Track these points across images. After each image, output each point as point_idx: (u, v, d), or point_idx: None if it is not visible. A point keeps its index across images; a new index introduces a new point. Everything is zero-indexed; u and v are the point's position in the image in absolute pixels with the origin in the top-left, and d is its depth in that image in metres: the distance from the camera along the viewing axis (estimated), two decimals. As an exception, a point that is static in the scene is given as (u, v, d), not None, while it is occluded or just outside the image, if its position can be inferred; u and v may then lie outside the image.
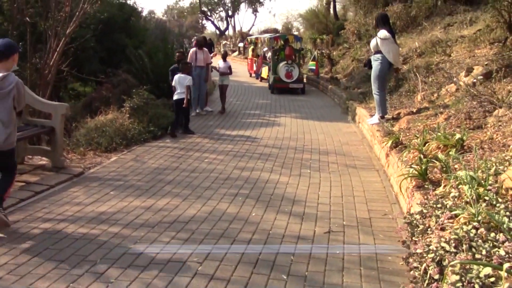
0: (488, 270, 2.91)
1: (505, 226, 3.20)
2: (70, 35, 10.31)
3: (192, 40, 15.79)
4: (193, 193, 6.04)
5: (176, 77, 9.82)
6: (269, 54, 19.30)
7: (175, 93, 9.79)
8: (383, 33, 8.80)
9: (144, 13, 21.85)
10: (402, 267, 3.99)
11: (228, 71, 12.89)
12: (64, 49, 10.45)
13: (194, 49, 12.08)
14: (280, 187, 6.37)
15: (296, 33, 31.28)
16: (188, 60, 11.08)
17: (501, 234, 3.19)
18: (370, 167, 7.41)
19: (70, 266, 3.99)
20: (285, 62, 16.62)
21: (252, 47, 25.60)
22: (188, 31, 29.39)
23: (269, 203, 5.69)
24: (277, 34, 25.03)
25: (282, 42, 19.34)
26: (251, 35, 42.55)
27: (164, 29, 18.20)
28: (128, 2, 17.39)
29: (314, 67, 19.21)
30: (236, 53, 35.58)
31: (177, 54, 10.91)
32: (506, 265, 2.71)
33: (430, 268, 3.41)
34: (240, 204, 5.65)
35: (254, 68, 22.59)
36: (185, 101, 9.62)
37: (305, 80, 19.05)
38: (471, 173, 4.30)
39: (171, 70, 10.13)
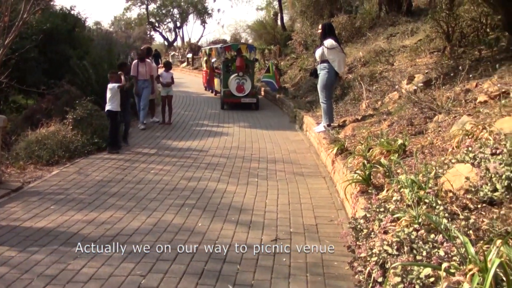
0: (428, 271, 2.95)
1: (442, 227, 3.26)
2: (8, 45, 9.90)
3: (139, 51, 15.32)
4: (137, 205, 5.89)
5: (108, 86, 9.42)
6: (217, 65, 18.52)
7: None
8: (329, 42, 8.93)
9: (90, 24, 21.32)
10: (347, 271, 4.01)
11: (171, 81, 12.65)
12: (3, 60, 10.02)
13: (135, 61, 11.74)
14: (227, 196, 6.30)
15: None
16: (131, 73, 10.79)
17: (440, 235, 3.24)
18: (317, 174, 7.46)
19: (5, 285, 3.78)
20: (236, 74, 15.20)
21: (205, 58, 23.23)
22: (135, 42, 28.98)
23: (216, 213, 5.61)
24: (228, 44, 23.14)
25: (234, 52, 17.71)
26: (200, 46, 42.48)
27: (109, 40, 17.80)
28: (72, 12, 16.96)
29: (268, 79, 16.46)
30: (185, 64, 35.37)
31: (118, 64, 10.64)
32: (444, 265, 2.75)
33: (373, 271, 3.43)
34: (186, 214, 5.54)
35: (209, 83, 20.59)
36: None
37: (262, 93, 18.87)
38: (412, 177, 4.39)
39: None
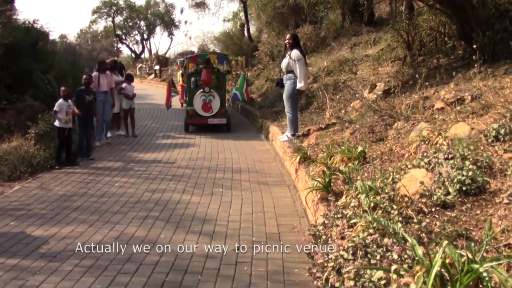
0: (380, 274, 3.03)
1: (391, 230, 3.35)
2: (-32, 60, 9.73)
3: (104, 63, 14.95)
4: (100, 219, 5.84)
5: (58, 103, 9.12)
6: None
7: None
8: (296, 53, 9.06)
9: (55, 37, 21.04)
10: (307, 278, 4.06)
11: (134, 93, 12.56)
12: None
13: (96, 73, 11.32)
14: (191, 207, 6.30)
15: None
16: (91, 86, 10.59)
17: (387, 239, 3.33)
18: (281, 183, 7.53)
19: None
20: (202, 90, 12.71)
21: (181, 71, 19.54)
22: (101, 54, 28.75)
23: (179, 224, 5.61)
24: (195, 54, 21.40)
25: (203, 64, 14.77)
26: (168, 58, 42.31)
27: (74, 53, 17.61)
28: (36, 26, 16.71)
29: (238, 92, 13.76)
30: (152, 76, 35.17)
31: (83, 77, 10.44)
32: (393, 267, 2.84)
33: (330, 276, 3.50)
34: (149, 227, 5.53)
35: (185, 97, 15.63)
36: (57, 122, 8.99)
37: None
38: (369, 183, 4.49)
39: (77, 91, 9.64)
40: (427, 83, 7.96)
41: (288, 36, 9.64)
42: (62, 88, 9.33)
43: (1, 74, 13.45)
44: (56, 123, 8.99)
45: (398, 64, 11.34)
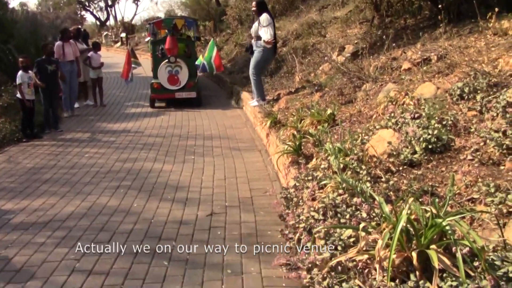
0: (349, 232, 3.13)
1: (359, 189, 3.44)
2: None
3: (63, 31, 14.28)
4: (71, 190, 5.81)
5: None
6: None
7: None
8: (264, 18, 8.96)
9: (14, 5, 20.31)
10: (280, 239, 4.15)
11: (102, 62, 12.32)
12: None
13: (59, 42, 10.99)
14: (163, 175, 6.32)
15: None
16: (55, 55, 10.33)
17: (356, 198, 3.42)
18: (252, 148, 7.58)
19: None
20: (167, 60, 11.35)
21: (150, 39, 14.97)
22: (65, 23, 27.90)
23: (152, 192, 5.63)
24: (159, 19, 19.17)
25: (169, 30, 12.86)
26: (134, 25, 41.36)
27: (35, 22, 17.06)
28: (-7, -7, 16.10)
29: (205, 63, 10.98)
30: (119, 43, 34.44)
31: (43, 45, 10.12)
32: (361, 225, 2.93)
33: (302, 237, 3.59)
34: (122, 196, 5.53)
35: None
36: (25, 102, 8.78)
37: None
38: (338, 144, 4.57)
39: (37, 62, 9.37)
40: (394, 44, 8.02)
41: (253, 3, 9.53)
42: (20, 59, 9.04)
43: (-41, 45, 13.01)
44: (18, 95, 8.79)
45: (366, 25, 11.36)
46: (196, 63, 11.12)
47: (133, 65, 11.85)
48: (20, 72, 8.75)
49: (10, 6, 18.39)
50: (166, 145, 8.02)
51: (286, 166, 5.37)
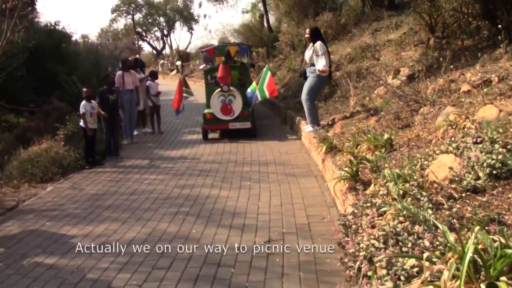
0: (412, 261, 3.05)
1: (421, 217, 3.36)
2: (-6, 65, 9.99)
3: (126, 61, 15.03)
4: (132, 216, 5.98)
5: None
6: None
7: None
8: (319, 46, 9.01)
9: (77, 37, 21.37)
10: (339, 267, 4.09)
11: (159, 91, 12.69)
12: (-10, 80, 10.10)
13: (120, 72, 11.46)
14: (220, 201, 6.40)
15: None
16: (116, 85, 10.77)
17: (418, 226, 3.34)
18: (308, 174, 7.56)
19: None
20: (220, 89, 10.91)
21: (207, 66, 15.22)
22: (123, 53, 29.03)
23: (209, 218, 5.71)
24: (211, 46, 18.41)
25: (222, 57, 13.25)
26: (189, 53, 42.47)
27: (96, 53, 17.87)
28: (58, 27, 17.00)
29: (258, 93, 10.58)
30: (175, 71, 35.43)
31: (103, 77, 10.60)
32: (425, 255, 2.86)
33: (362, 265, 3.53)
34: (180, 222, 5.64)
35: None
36: (87, 131, 9.14)
37: None
38: (397, 170, 4.50)
39: (100, 92, 9.80)
40: (452, 66, 7.86)
41: (307, 30, 9.62)
42: (84, 89, 9.50)
43: (27, 78, 13.76)
44: (81, 124, 9.19)
45: (421, 47, 11.21)
46: (248, 90, 10.74)
47: (184, 95, 11.59)
48: (83, 102, 9.16)
49: (73, 38, 19.31)
50: (222, 171, 8.13)
51: (343, 192, 5.32)
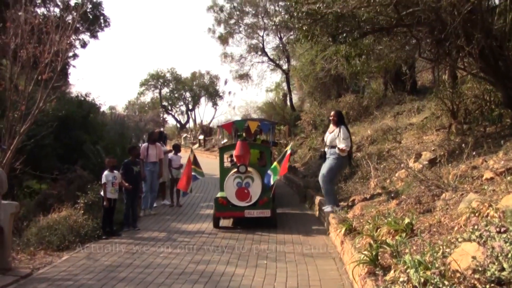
0: None
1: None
2: (24, 133, 10.32)
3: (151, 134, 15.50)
4: (145, 290, 5.88)
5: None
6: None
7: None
8: (344, 133, 9.14)
9: (104, 108, 22.08)
10: None
11: (181, 163, 12.86)
12: (19, 147, 10.39)
13: (145, 144, 11.80)
14: (235, 279, 6.27)
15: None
16: (140, 156, 11.01)
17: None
18: (326, 256, 7.41)
19: None
20: (236, 170, 9.59)
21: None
22: (147, 125, 29.81)
23: (224, 299, 5.59)
24: (230, 120, 17.12)
25: (241, 132, 12.55)
26: (212, 128, 43.28)
27: (122, 124, 18.37)
28: (88, 99, 17.66)
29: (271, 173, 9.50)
30: (197, 145, 36.03)
31: (129, 148, 10.89)
32: None
33: None
34: (194, 299, 5.52)
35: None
36: (105, 201, 9.23)
37: None
38: (418, 257, 4.39)
39: (125, 164, 10.02)
40: (474, 152, 7.84)
41: (332, 113, 9.77)
42: (107, 159, 9.69)
43: (54, 145, 14.14)
44: (102, 193, 9.29)
45: (443, 132, 11.26)
46: (268, 172, 9.53)
47: (193, 174, 10.12)
48: (106, 172, 9.31)
49: (101, 109, 19.97)
50: (239, 248, 8.03)
51: (362, 277, 5.17)
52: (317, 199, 11.05)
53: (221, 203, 9.56)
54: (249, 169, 9.68)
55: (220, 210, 9.61)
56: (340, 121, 9.44)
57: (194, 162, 10.28)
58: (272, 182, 9.49)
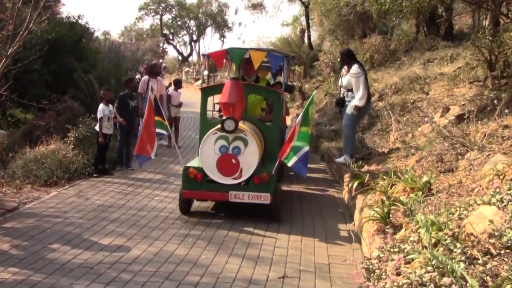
0: (435, 314, 3.20)
1: (449, 268, 3.51)
2: (11, 56, 10.45)
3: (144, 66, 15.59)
4: (139, 233, 6.23)
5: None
6: None
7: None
8: (355, 68, 9.12)
9: (98, 34, 21.99)
10: (357, 314, 4.24)
11: (181, 101, 12.99)
12: (5, 71, 10.56)
13: (146, 77, 11.78)
14: (235, 228, 6.59)
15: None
16: (139, 90, 11.12)
17: (447, 277, 3.49)
18: (335, 210, 7.74)
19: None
20: (220, 126, 6.98)
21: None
22: (145, 55, 29.70)
23: (222, 246, 5.92)
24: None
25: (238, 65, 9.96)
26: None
27: (118, 53, 18.37)
28: (80, 21, 17.59)
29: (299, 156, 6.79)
30: (200, 81, 36.03)
31: (125, 80, 10.98)
32: (449, 308, 3.01)
33: (382, 314, 3.69)
34: (190, 246, 5.86)
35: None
36: (100, 137, 9.50)
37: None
38: (431, 217, 4.65)
39: (120, 96, 10.17)
40: (507, 110, 7.98)
41: (338, 54, 9.72)
42: (103, 91, 9.85)
43: (42, 71, 14.24)
44: (97, 128, 9.53)
45: (477, 86, 11.31)
46: (294, 142, 6.73)
47: (158, 131, 7.53)
48: (101, 106, 9.51)
49: (95, 34, 19.89)
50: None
51: (371, 234, 5.47)
52: (330, 149, 11.28)
53: (193, 177, 6.98)
54: (242, 125, 7.16)
55: (191, 188, 7.01)
56: (350, 60, 9.37)
57: (157, 110, 7.59)
58: (305, 169, 6.89)
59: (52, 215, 6.82)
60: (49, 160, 8.94)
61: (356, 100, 9.07)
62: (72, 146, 9.66)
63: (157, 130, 7.49)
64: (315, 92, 7.67)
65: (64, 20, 16.65)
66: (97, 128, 9.51)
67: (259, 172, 6.92)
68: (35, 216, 6.72)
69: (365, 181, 7.33)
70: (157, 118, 7.50)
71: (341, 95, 9.87)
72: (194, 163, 7.43)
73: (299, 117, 6.84)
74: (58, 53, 14.66)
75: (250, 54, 8.28)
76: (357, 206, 7.07)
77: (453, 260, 3.85)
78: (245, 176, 6.91)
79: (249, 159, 6.90)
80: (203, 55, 9.41)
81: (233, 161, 6.89)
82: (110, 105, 9.63)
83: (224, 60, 8.99)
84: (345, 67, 9.49)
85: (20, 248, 5.55)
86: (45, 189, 8.29)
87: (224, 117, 6.95)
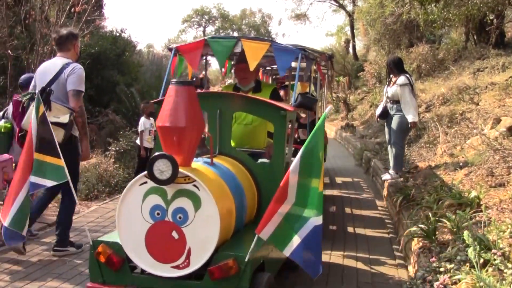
0: None
1: (498, 291, 3.37)
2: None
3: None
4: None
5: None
6: None
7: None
8: (402, 79, 8.78)
9: (141, 47, 22.43)
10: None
11: None
12: (47, 84, 10.85)
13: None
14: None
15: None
16: None
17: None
18: (378, 225, 7.61)
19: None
20: (149, 173, 3.75)
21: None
22: (187, 68, 30.02)
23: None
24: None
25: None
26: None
27: (160, 65, 18.68)
28: (123, 35, 17.98)
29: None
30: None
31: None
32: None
33: (426, 337, 3.57)
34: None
35: None
36: (141, 150, 9.61)
37: None
38: (480, 234, 4.49)
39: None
40: None
41: (386, 62, 9.53)
42: (144, 104, 9.98)
43: (84, 86, 14.59)
44: (138, 142, 9.66)
45: (530, 96, 11.01)
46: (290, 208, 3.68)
47: (33, 177, 4.60)
48: (142, 119, 9.64)
49: (138, 48, 20.31)
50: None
51: (416, 251, 5.33)
52: (375, 163, 11.12)
53: (106, 262, 3.96)
54: (195, 166, 4.08)
55: (103, 281, 4.01)
56: (397, 69, 9.05)
57: (46, 146, 4.66)
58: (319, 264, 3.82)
59: (91, 230, 6.90)
60: (90, 173, 9.11)
61: (411, 116, 8.67)
62: (113, 160, 9.83)
63: (33, 177, 4.60)
64: (330, 107, 5.10)
65: (107, 34, 17.05)
66: (138, 141, 9.64)
67: (222, 257, 3.71)
68: (75, 231, 6.81)
69: (411, 195, 7.19)
70: (39, 158, 4.61)
71: (384, 106, 9.52)
72: (111, 236, 4.32)
73: (298, 157, 3.66)
74: (101, 67, 15.00)
75: (243, 47, 5.23)
76: (401, 221, 6.93)
77: (504, 282, 3.71)
78: (194, 265, 3.73)
79: (203, 232, 3.72)
80: (169, 49, 6.18)
81: (175, 235, 3.75)
82: (151, 118, 9.74)
83: (205, 57, 6.99)
84: (392, 76, 9.18)
85: (59, 262, 5.64)
86: (85, 203, 8.44)
87: (156, 154, 3.79)
